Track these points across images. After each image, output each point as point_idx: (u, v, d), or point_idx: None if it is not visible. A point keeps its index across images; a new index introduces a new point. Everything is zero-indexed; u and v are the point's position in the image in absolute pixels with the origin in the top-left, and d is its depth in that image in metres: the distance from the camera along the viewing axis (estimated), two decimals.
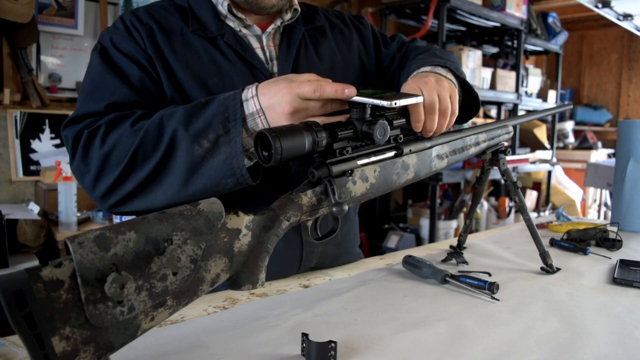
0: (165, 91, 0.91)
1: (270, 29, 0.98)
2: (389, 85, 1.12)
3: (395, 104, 0.71)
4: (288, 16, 1.00)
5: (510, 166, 1.24)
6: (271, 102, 0.75)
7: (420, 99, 0.75)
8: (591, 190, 5.06)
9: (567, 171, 5.02)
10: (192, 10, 0.96)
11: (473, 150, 0.96)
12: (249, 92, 0.77)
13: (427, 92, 0.81)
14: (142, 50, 0.90)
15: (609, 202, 4.71)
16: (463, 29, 3.83)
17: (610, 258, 1.11)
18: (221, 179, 0.76)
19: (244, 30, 0.97)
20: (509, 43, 3.95)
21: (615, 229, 1.23)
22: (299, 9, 1.02)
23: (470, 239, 1.27)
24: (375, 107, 0.73)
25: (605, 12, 3.90)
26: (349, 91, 0.72)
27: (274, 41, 1.00)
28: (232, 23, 0.96)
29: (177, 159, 0.77)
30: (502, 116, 4.45)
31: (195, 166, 0.76)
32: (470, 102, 1.01)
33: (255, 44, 0.97)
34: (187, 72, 0.90)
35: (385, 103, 0.70)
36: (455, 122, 0.98)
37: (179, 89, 0.90)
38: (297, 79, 0.75)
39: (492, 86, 3.60)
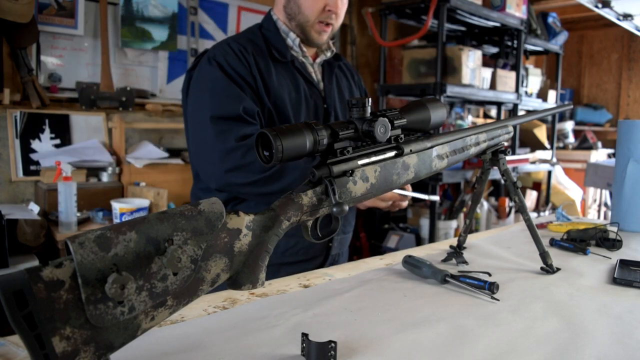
0: (265, 103, 1.23)
1: (318, 60, 1.40)
2: None
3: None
4: (329, 54, 1.42)
5: (510, 166, 1.25)
6: None
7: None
8: (591, 190, 5.06)
9: (567, 171, 5.02)
10: (270, 42, 1.32)
11: (473, 150, 0.96)
12: None
13: None
14: (249, 72, 1.23)
15: (609, 202, 4.71)
16: (463, 29, 3.83)
17: (610, 258, 1.11)
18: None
19: (302, 59, 1.37)
20: (509, 43, 3.95)
21: (615, 229, 1.23)
22: (335, 50, 1.44)
23: (470, 239, 1.27)
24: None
25: (605, 12, 3.90)
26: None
27: (319, 69, 1.41)
28: (295, 53, 1.35)
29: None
30: (502, 116, 4.45)
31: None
32: None
33: (310, 70, 1.38)
34: (278, 86, 1.26)
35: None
36: None
37: (273, 100, 1.24)
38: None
39: (492, 86, 3.60)
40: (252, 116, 1.20)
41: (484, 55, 3.64)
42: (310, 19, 1.31)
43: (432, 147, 0.86)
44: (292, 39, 1.34)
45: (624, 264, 1.04)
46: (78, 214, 2.28)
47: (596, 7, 3.72)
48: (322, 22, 1.32)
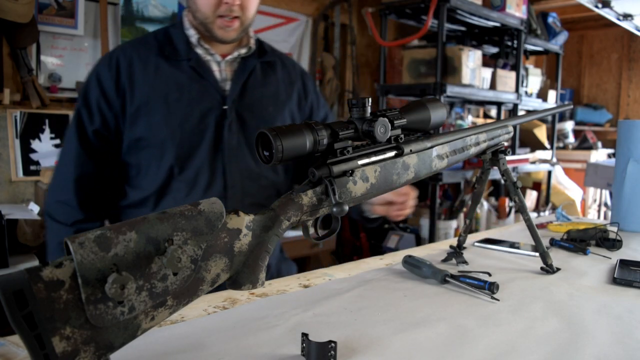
0: (126, 109, 1.18)
1: (229, 58, 1.26)
2: None
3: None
4: (244, 51, 1.28)
5: (510, 166, 1.24)
6: None
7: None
8: (591, 190, 5.06)
9: (567, 171, 5.02)
10: (170, 38, 1.24)
11: (473, 150, 0.96)
12: None
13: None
14: (115, 81, 1.18)
15: (609, 202, 4.71)
16: (463, 29, 3.83)
17: (610, 258, 1.11)
18: None
19: (208, 57, 1.24)
20: (509, 43, 3.95)
21: (615, 229, 1.23)
22: (253, 47, 1.29)
23: (470, 239, 1.27)
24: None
25: (605, 12, 3.90)
26: None
27: (232, 67, 1.27)
28: (199, 51, 1.23)
29: None
30: (502, 116, 4.45)
31: None
32: None
33: (214, 68, 1.25)
34: (152, 90, 1.18)
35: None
36: None
37: (143, 102, 1.18)
38: None
39: (492, 86, 3.60)
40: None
41: (484, 55, 3.64)
42: (208, 15, 1.20)
43: (432, 147, 0.86)
44: (192, 36, 1.23)
45: (624, 264, 1.04)
46: None
47: (596, 7, 3.72)
48: (223, 17, 1.20)
